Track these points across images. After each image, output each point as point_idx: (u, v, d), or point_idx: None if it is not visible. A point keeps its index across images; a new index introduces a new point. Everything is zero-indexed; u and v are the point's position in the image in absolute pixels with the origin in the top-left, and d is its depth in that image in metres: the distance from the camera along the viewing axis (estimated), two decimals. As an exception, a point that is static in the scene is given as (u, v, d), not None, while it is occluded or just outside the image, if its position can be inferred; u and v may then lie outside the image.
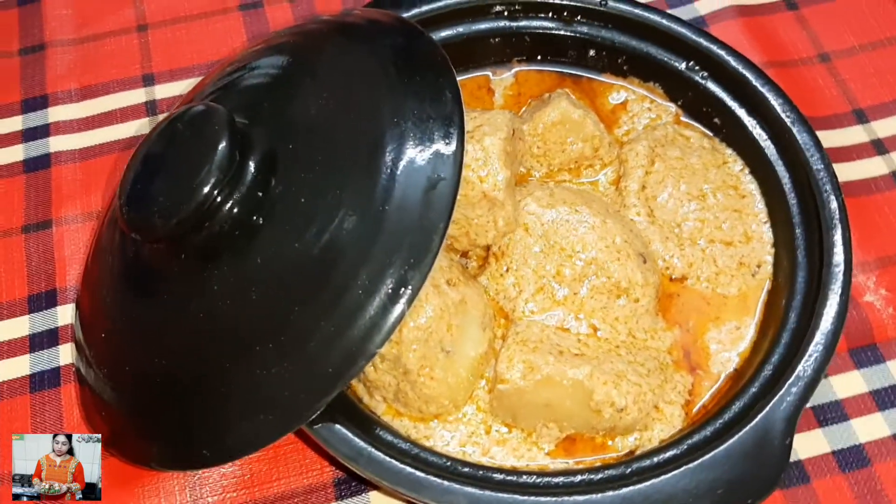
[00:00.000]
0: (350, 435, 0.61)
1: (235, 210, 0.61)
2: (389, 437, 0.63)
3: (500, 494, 0.58)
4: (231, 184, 0.60)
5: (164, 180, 0.62)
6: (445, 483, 0.59)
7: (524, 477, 0.61)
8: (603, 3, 0.79)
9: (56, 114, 0.92)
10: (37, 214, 0.86)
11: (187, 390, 0.63)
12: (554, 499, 0.58)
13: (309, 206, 0.61)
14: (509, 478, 0.61)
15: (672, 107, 0.82)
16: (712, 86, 0.78)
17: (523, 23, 0.81)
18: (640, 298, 0.69)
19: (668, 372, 0.68)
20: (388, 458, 0.60)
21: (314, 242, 0.60)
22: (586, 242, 0.69)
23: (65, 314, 0.80)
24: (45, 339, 0.79)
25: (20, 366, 0.78)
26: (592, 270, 0.69)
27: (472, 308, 0.66)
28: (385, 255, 0.59)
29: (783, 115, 0.73)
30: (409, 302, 0.58)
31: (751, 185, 0.76)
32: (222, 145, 0.60)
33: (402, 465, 0.59)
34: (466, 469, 0.61)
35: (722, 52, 0.77)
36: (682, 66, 0.79)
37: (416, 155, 0.61)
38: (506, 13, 0.81)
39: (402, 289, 0.58)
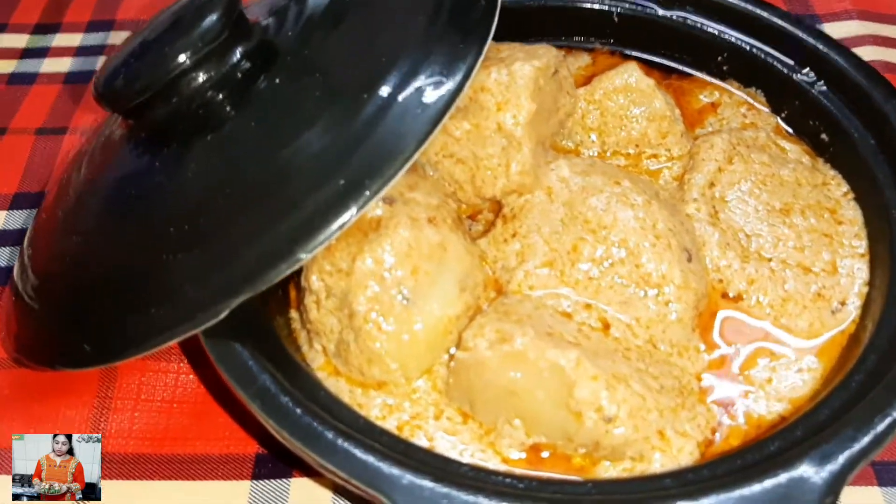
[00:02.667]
0: (248, 358, 0.47)
1: (209, 90, 0.54)
2: (300, 381, 0.49)
3: (403, 472, 0.42)
4: (210, 59, 0.54)
5: (147, 52, 0.56)
6: (340, 442, 0.44)
7: (454, 466, 0.45)
8: (710, -12, 0.67)
9: (117, 37, 0.89)
10: (55, 120, 0.81)
11: (96, 279, 0.54)
12: (481, 498, 0.42)
13: (288, 100, 0.54)
14: (432, 460, 0.45)
15: (774, 117, 0.67)
16: (826, 97, 0.63)
17: (614, -2, 0.70)
18: (673, 302, 0.53)
19: (688, 398, 0.51)
20: (282, 396, 0.46)
21: (279, 134, 0.52)
22: (619, 219, 0.54)
23: (42, 218, 0.73)
24: (12, 238, 0.72)
25: (-25, 258, 0.71)
26: (620, 255, 0.54)
27: (454, 260, 0.53)
28: (345, 151, 0.48)
29: (908, 134, 0.58)
30: (360, 207, 0.46)
31: (852, 213, 0.60)
32: (210, 18, 0.54)
33: (294, 407, 0.45)
34: (385, 438, 0.46)
35: (845, 60, 0.63)
36: (794, 71, 0.65)
37: (420, 56, 0.52)
38: (596, -16, 0.71)
39: (355, 191, 0.46)
